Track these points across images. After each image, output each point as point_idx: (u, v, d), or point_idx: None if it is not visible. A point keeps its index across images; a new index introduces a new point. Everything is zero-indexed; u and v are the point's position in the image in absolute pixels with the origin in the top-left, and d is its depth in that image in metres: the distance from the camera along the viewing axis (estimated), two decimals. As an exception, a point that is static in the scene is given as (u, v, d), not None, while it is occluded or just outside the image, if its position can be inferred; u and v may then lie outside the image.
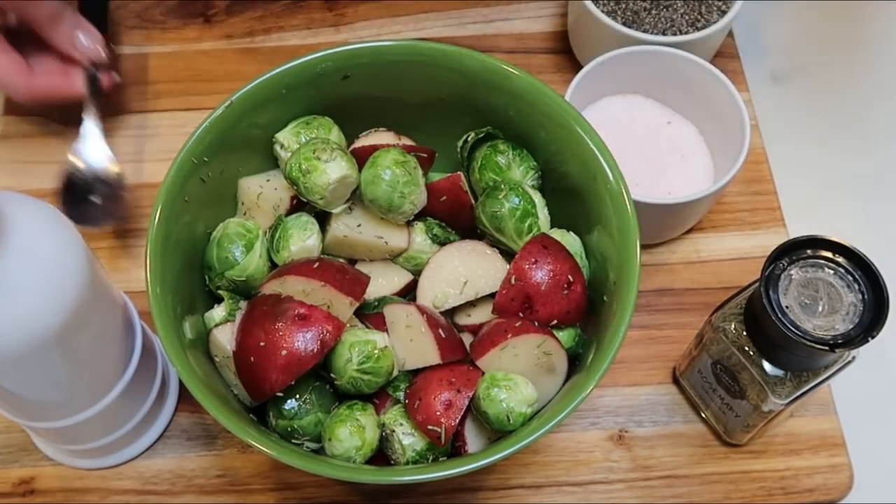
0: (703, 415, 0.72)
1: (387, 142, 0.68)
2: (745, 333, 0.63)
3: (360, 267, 0.68)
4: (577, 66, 0.87)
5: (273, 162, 0.69)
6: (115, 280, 0.65)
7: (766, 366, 0.62)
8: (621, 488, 0.71)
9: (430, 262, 0.67)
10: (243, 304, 0.63)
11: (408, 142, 0.70)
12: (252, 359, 0.59)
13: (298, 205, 0.68)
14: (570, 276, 0.64)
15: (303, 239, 0.65)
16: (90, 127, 0.79)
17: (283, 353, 0.59)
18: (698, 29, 0.81)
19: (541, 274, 0.63)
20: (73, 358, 0.58)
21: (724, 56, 0.88)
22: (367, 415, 0.62)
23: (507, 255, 0.66)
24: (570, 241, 0.67)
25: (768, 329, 0.60)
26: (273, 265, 0.67)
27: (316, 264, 0.63)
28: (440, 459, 0.62)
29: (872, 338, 0.57)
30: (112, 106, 0.85)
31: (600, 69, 0.77)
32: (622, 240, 0.62)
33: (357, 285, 0.63)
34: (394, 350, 0.63)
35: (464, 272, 0.66)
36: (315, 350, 0.59)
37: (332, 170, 0.64)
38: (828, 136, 0.88)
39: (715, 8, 0.82)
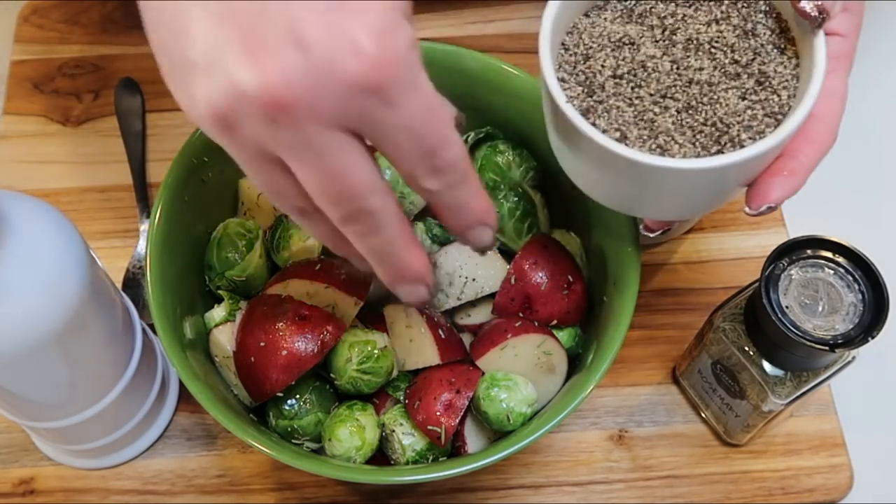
0: (703, 415, 0.72)
1: (387, 142, 0.68)
2: (745, 333, 0.63)
3: (360, 267, 0.68)
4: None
5: (273, 162, 0.69)
6: (115, 280, 0.65)
7: (766, 366, 0.62)
8: (621, 488, 0.71)
9: (431, 263, 0.67)
10: (243, 304, 0.63)
11: (408, 142, 0.70)
12: (252, 359, 0.59)
13: (298, 205, 0.67)
14: (570, 276, 0.64)
15: (303, 239, 0.65)
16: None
17: (284, 353, 0.59)
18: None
19: (541, 274, 0.63)
20: (73, 358, 0.58)
21: (724, 56, 0.88)
22: (367, 415, 0.62)
23: (507, 255, 0.66)
24: (570, 241, 0.67)
25: (768, 329, 0.60)
26: (273, 265, 0.67)
27: (317, 266, 0.63)
28: (440, 459, 0.62)
29: (872, 338, 0.57)
30: (109, 106, 0.85)
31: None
32: (622, 240, 0.62)
33: (360, 285, 0.63)
34: (394, 350, 0.63)
35: (464, 272, 0.66)
36: (315, 350, 0.59)
37: (332, 170, 0.64)
38: (828, 136, 0.87)
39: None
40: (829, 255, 0.60)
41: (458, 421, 0.60)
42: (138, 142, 0.83)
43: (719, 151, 0.48)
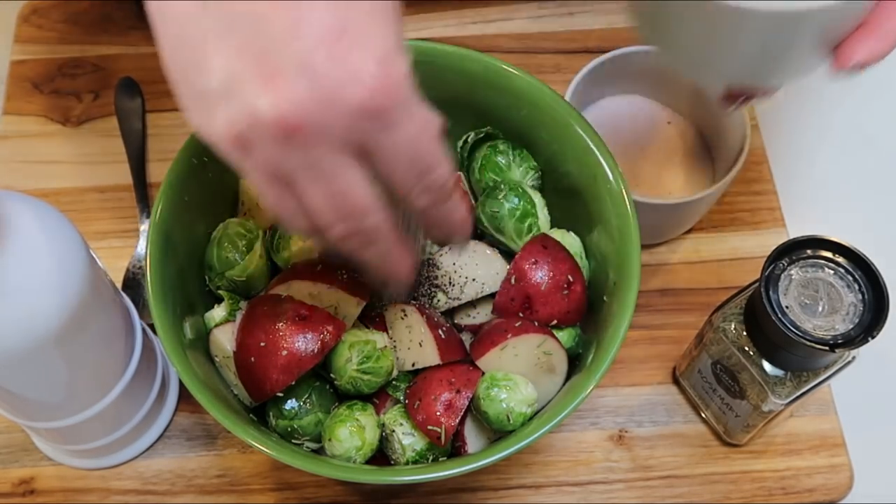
0: (703, 415, 0.72)
1: (387, 142, 0.68)
2: (745, 333, 0.63)
3: (360, 267, 0.68)
4: (577, 66, 0.87)
5: (273, 162, 0.69)
6: (115, 280, 0.65)
7: (766, 366, 0.62)
8: (621, 488, 0.71)
9: (431, 262, 0.67)
10: (243, 304, 0.63)
11: (408, 142, 0.70)
12: (252, 359, 0.59)
13: (298, 205, 0.67)
14: (570, 276, 0.64)
15: (303, 239, 0.65)
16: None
17: (284, 353, 0.59)
18: None
19: (541, 274, 0.63)
20: (73, 358, 0.58)
21: (724, 56, 0.88)
22: (367, 415, 0.62)
23: (507, 255, 0.66)
24: (570, 241, 0.67)
25: (768, 329, 0.60)
26: (273, 265, 0.67)
27: (319, 266, 0.63)
28: (440, 459, 0.62)
29: (872, 338, 0.57)
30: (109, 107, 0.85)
31: (600, 69, 0.77)
32: (622, 240, 0.62)
33: (362, 284, 0.63)
34: (394, 350, 0.63)
35: (463, 272, 0.66)
36: (315, 350, 0.59)
37: (332, 170, 0.64)
38: (828, 136, 0.88)
39: None
40: (829, 255, 0.60)
41: (458, 421, 0.60)
42: (138, 142, 0.83)
43: None
